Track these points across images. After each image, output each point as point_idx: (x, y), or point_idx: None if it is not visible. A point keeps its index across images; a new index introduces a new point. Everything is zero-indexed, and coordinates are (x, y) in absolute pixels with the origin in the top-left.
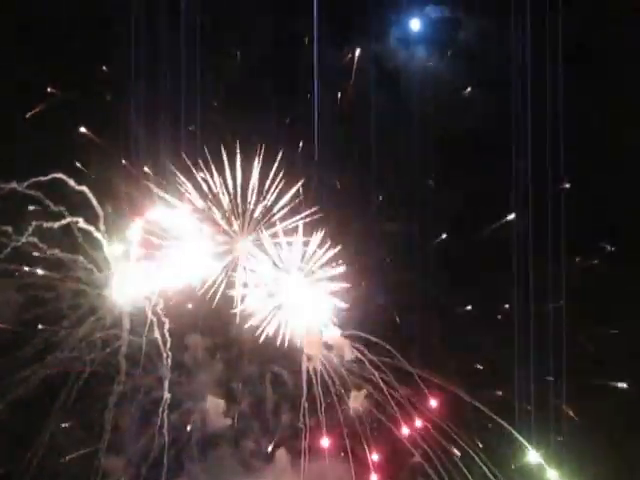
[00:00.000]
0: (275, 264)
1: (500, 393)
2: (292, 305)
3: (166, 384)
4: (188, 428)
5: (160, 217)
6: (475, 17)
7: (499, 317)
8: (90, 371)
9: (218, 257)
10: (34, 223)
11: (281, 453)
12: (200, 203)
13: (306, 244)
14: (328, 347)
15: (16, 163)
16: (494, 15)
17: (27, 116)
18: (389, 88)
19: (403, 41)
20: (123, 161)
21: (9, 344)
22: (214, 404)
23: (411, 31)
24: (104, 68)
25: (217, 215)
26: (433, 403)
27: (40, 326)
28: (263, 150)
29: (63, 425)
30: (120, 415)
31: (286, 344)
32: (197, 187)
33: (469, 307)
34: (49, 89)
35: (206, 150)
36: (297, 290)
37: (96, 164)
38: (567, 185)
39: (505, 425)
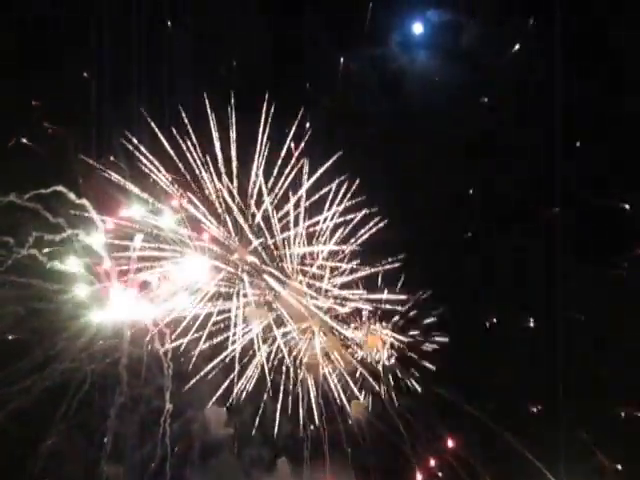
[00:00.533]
0: (276, 277)
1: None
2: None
3: (167, 395)
4: (189, 437)
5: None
6: (477, 21)
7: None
8: (90, 382)
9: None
10: (34, 234)
11: (282, 462)
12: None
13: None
14: (329, 358)
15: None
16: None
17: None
18: (391, 91)
19: (405, 45)
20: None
21: (9, 355)
22: (215, 413)
23: (413, 35)
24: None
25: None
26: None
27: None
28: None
29: (65, 435)
30: (122, 425)
31: (286, 356)
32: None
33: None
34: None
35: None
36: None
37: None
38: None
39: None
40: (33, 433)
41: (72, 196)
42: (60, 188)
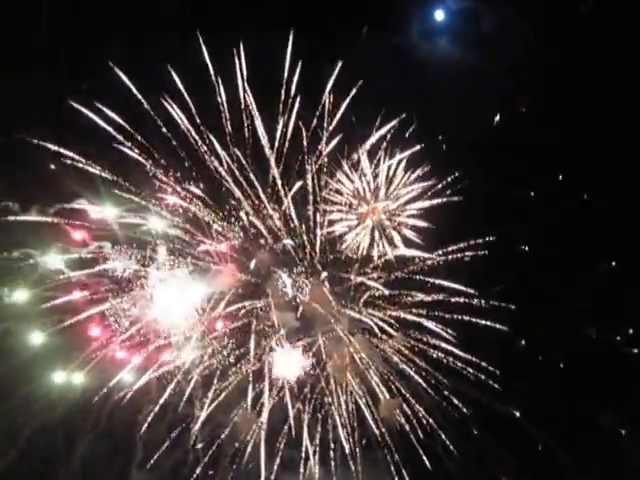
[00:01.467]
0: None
1: None
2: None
3: (197, 402)
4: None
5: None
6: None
7: None
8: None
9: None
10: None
11: (312, 465)
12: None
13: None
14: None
15: None
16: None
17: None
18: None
19: (426, 32)
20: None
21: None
22: (244, 418)
23: (435, 22)
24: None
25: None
26: None
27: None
28: None
29: (94, 444)
30: (151, 432)
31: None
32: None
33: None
34: None
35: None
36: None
37: None
38: None
39: None
40: (61, 447)
41: None
42: None
